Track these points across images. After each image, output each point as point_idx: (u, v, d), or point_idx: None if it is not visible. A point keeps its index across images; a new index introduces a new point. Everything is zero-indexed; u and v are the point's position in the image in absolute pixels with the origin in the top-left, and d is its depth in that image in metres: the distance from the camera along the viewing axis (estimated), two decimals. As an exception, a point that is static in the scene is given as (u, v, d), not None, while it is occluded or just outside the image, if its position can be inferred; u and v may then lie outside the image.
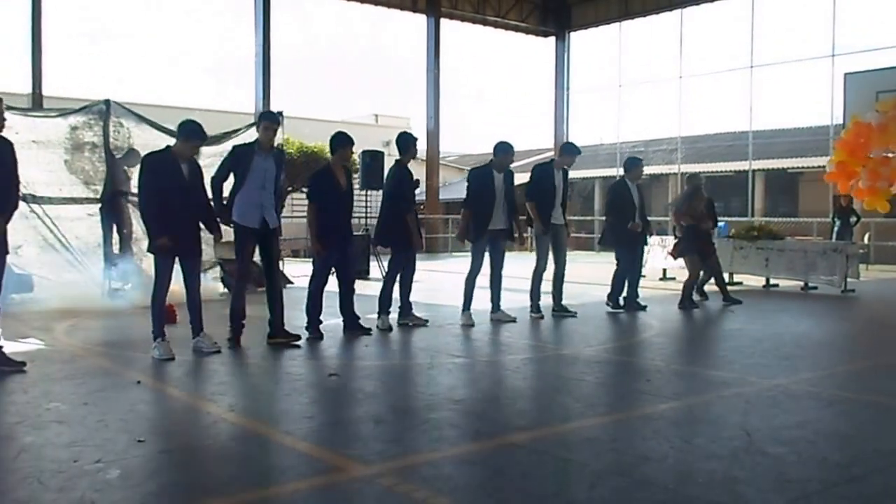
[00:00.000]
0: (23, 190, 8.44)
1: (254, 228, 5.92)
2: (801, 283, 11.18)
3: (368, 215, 15.18)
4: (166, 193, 5.43)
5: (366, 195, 14.73)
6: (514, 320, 7.35)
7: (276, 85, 18.60)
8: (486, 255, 7.32)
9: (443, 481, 3.09)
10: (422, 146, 23.23)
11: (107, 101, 9.21)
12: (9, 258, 5.97)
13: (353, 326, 6.61)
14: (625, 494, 2.92)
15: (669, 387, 4.77)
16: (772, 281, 11.57)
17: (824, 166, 14.42)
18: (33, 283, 8.42)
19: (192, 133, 5.57)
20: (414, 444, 3.58)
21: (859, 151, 12.76)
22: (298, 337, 6.11)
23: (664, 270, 12.62)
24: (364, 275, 12.67)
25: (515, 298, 8.24)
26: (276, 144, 10.85)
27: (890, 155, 12.80)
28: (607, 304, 8.42)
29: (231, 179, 6.01)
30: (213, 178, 5.97)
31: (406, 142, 7.06)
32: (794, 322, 8.07)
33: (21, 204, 8.46)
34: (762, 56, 20.22)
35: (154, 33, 61.20)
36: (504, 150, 7.32)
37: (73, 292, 8.90)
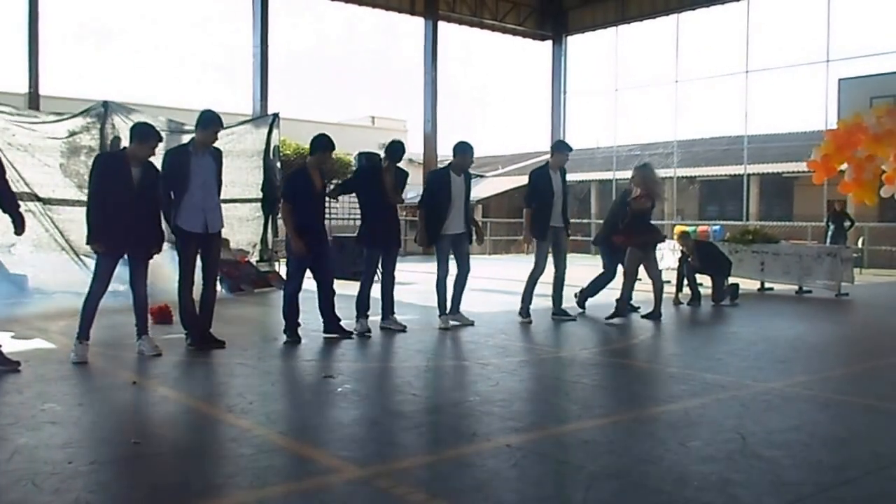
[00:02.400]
0: (22, 188, 8.46)
1: (196, 233, 5.77)
2: (796, 287, 11.23)
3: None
4: (112, 196, 5.32)
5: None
6: (471, 323, 7.24)
7: (273, 86, 18.56)
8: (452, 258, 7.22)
9: (439, 483, 3.09)
10: (419, 149, 23.36)
11: (105, 104, 9.21)
12: (2, 258, 5.96)
13: (333, 329, 6.48)
14: (621, 497, 2.93)
15: (665, 389, 4.78)
16: (767, 284, 11.61)
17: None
18: (28, 284, 8.40)
19: (147, 134, 5.46)
20: (410, 446, 3.58)
21: (846, 149, 12.78)
22: (223, 344, 5.91)
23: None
24: (358, 276, 12.63)
25: (510, 300, 8.24)
26: (274, 145, 11.02)
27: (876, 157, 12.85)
28: (580, 308, 8.47)
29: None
30: (165, 195, 5.74)
31: (394, 151, 6.90)
32: (789, 325, 8.10)
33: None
34: (757, 61, 20.31)
35: (152, 33, 61.12)
36: (463, 151, 7.19)
37: (68, 292, 8.89)
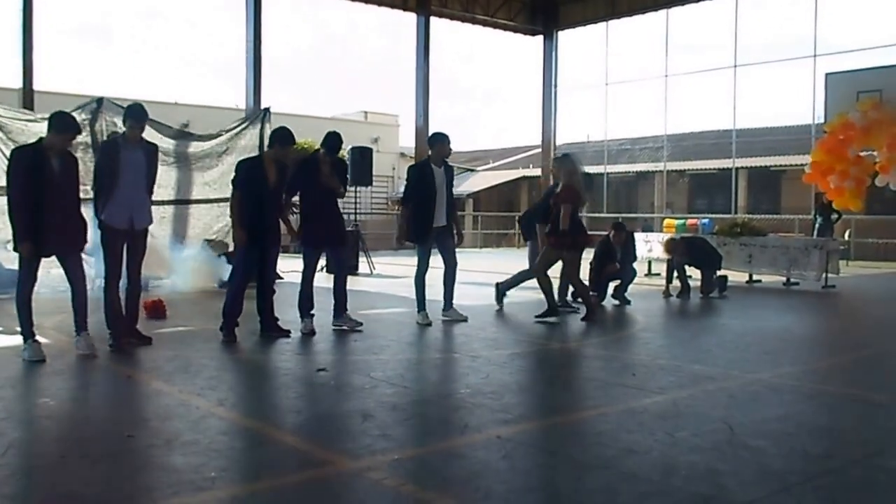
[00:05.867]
0: None
1: (122, 229, 5.58)
2: (783, 279, 11.33)
3: (357, 211, 15.23)
4: (33, 190, 5.07)
5: (355, 191, 14.77)
6: (465, 319, 7.16)
7: (266, 81, 18.51)
8: (435, 253, 7.11)
9: (430, 475, 3.13)
10: (411, 144, 23.34)
11: (99, 100, 9.17)
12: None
13: (271, 328, 6.24)
14: (610, 487, 2.97)
15: (654, 381, 4.83)
16: (754, 276, 11.71)
17: (806, 164, 14.59)
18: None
19: (65, 125, 5.20)
20: (402, 438, 3.61)
21: (838, 149, 12.95)
22: (150, 341, 5.75)
23: (649, 264, 12.74)
24: (353, 270, 12.72)
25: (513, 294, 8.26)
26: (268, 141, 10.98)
27: (863, 154, 13.01)
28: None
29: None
30: (95, 188, 5.64)
31: (331, 142, 6.53)
32: (776, 317, 8.18)
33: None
34: (746, 56, 20.41)
35: (146, 28, 60.78)
36: (440, 141, 7.03)
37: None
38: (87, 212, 5.60)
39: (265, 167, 6.12)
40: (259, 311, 6.27)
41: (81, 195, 7.45)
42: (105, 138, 8.93)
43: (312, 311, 6.48)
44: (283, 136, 6.17)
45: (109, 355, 5.48)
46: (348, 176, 6.79)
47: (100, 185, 5.62)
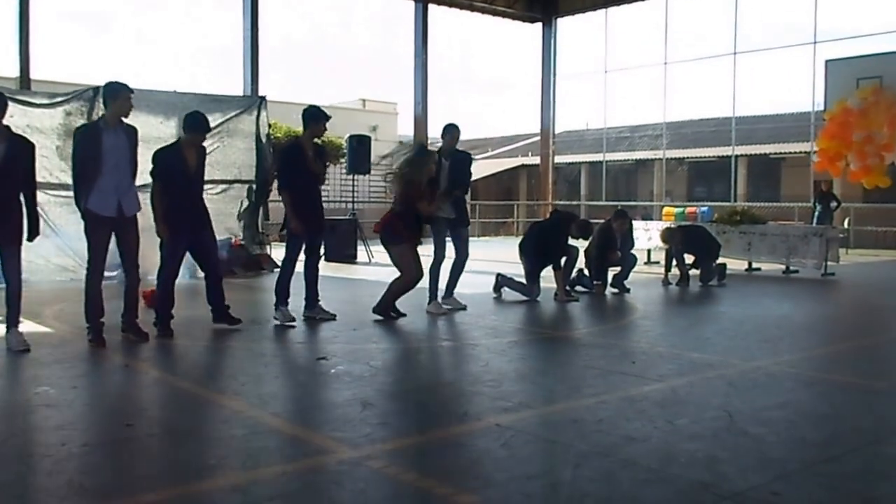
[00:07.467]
0: None
1: (109, 217, 5.28)
2: (783, 267, 11.34)
3: (355, 199, 15.19)
4: None
5: (353, 179, 14.74)
6: (464, 308, 7.15)
7: (263, 69, 18.40)
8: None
9: (430, 463, 3.13)
10: (410, 132, 23.26)
11: (96, 89, 9.14)
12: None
13: (221, 318, 6.03)
14: (609, 474, 2.97)
15: (653, 369, 4.84)
16: (754, 264, 11.72)
17: (806, 152, 14.61)
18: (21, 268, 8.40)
19: None
20: (402, 426, 3.62)
21: (841, 134, 12.94)
22: (147, 337, 5.51)
23: (649, 253, 12.74)
24: (351, 259, 12.73)
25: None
26: (263, 129, 10.98)
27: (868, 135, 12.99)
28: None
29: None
30: (74, 175, 5.40)
31: (309, 116, 6.32)
32: (776, 305, 8.18)
33: None
34: (745, 43, 20.33)
35: (143, 16, 60.44)
36: (448, 133, 7.04)
37: (62, 276, 8.91)
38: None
39: (183, 153, 5.78)
40: (209, 300, 6.07)
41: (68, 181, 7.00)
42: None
43: (288, 301, 6.33)
44: (193, 125, 5.82)
45: (108, 345, 5.47)
46: (328, 163, 6.62)
47: (79, 173, 5.35)
